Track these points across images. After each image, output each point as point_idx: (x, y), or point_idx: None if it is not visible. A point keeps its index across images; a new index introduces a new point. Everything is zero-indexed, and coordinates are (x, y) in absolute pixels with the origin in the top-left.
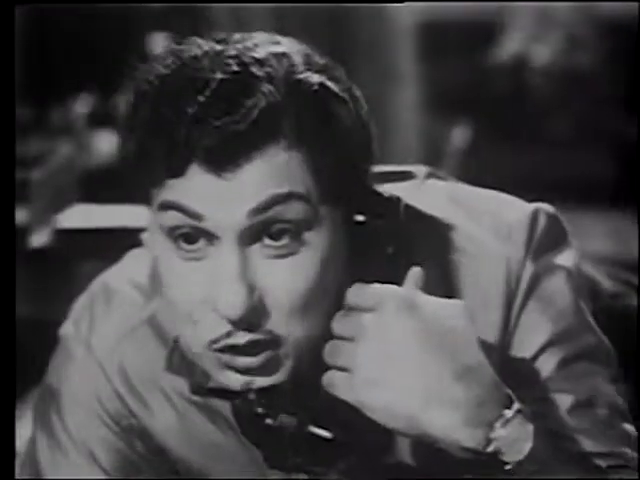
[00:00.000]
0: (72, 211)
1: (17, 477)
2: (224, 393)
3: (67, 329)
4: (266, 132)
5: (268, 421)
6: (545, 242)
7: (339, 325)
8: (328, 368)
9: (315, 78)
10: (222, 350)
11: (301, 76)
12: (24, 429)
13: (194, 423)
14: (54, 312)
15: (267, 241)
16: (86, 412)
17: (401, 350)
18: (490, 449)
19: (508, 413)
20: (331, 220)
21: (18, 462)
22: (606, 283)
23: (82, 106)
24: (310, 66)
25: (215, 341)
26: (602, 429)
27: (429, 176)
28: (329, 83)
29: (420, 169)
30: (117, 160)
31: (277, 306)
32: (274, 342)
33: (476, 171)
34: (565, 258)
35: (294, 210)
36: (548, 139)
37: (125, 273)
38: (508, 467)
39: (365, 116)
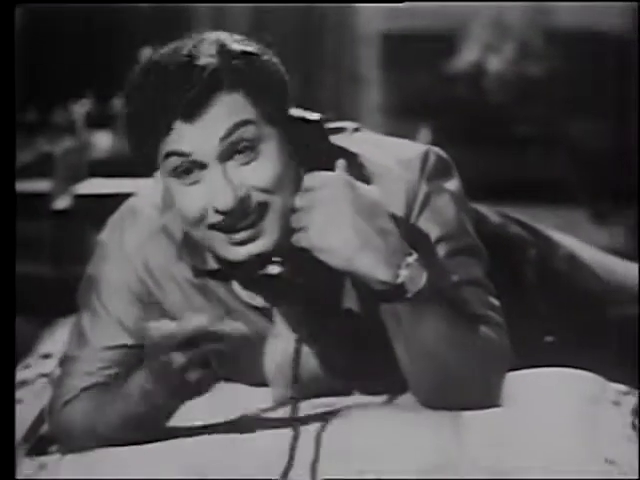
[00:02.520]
0: (87, 182)
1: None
2: (215, 274)
3: (105, 236)
4: (213, 87)
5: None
6: (434, 172)
7: (299, 200)
8: (295, 231)
9: (238, 47)
10: (223, 229)
11: (229, 47)
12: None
13: (194, 299)
14: (72, 258)
15: (236, 156)
16: (117, 293)
17: (341, 213)
18: (398, 281)
19: (410, 259)
20: (275, 135)
21: (68, 332)
22: (492, 216)
23: (82, 108)
24: (235, 42)
25: (217, 225)
26: (475, 295)
27: (356, 130)
28: (248, 48)
29: (350, 124)
30: (125, 129)
31: (257, 193)
32: (259, 218)
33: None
34: (450, 184)
35: (248, 132)
36: (504, 141)
37: (144, 197)
38: (409, 295)
39: (278, 68)
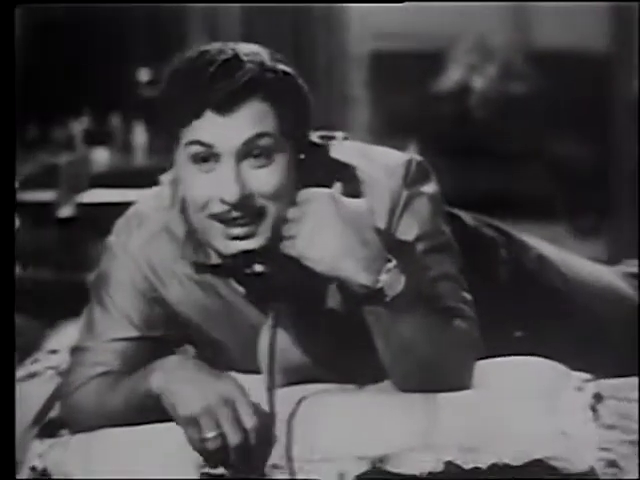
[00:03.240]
0: (89, 192)
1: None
2: (214, 269)
3: (112, 238)
4: (249, 91)
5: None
6: (415, 178)
7: (291, 212)
8: (285, 239)
9: (278, 66)
10: (223, 220)
11: (269, 63)
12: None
13: (195, 294)
14: (75, 264)
15: (251, 159)
16: (125, 289)
17: (327, 225)
18: (378, 286)
19: (389, 266)
20: (288, 148)
21: (79, 324)
22: (468, 220)
23: (80, 125)
24: (275, 60)
25: (219, 215)
26: (449, 289)
27: (345, 139)
28: (285, 68)
29: (339, 134)
30: (160, 106)
31: (259, 197)
32: (256, 219)
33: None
34: (428, 188)
35: (266, 141)
36: (488, 157)
37: (148, 202)
38: (387, 299)
39: (305, 92)
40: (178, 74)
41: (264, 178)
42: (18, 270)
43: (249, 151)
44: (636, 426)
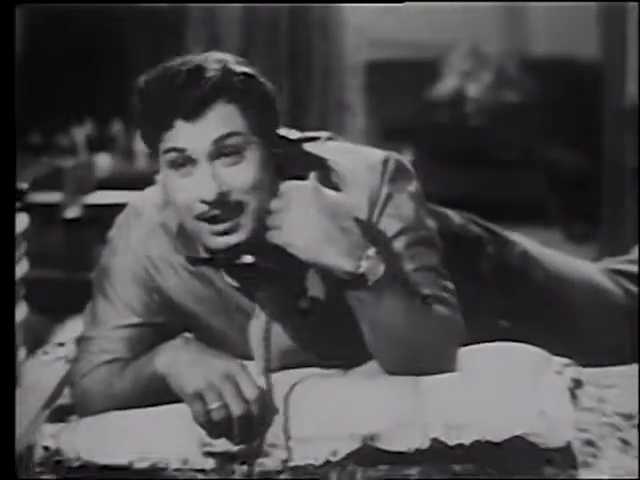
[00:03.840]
0: (94, 194)
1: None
2: (207, 261)
3: (113, 233)
4: (214, 96)
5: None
6: (394, 175)
7: (274, 203)
8: (270, 229)
9: (240, 68)
10: (206, 219)
11: (231, 67)
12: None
13: (190, 284)
14: (81, 261)
15: (223, 158)
16: (125, 279)
17: (309, 215)
18: (359, 272)
19: (370, 252)
20: (259, 144)
21: (83, 315)
22: (455, 218)
23: (82, 132)
24: (237, 63)
25: (201, 215)
26: (428, 278)
27: (329, 139)
28: (247, 70)
29: (323, 134)
30: (136, 122)
31: (236, 192)
32: (236, 214)
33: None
34: (408, 185)
35: (235, 140)
36: (482, 163)
37: (145, 199)
38: (369, 283)
39: (269, 90)
40: (146, 90)
41: (238, 174)
42: (27, 268)
43: (220, 150)
44: (613, 410)
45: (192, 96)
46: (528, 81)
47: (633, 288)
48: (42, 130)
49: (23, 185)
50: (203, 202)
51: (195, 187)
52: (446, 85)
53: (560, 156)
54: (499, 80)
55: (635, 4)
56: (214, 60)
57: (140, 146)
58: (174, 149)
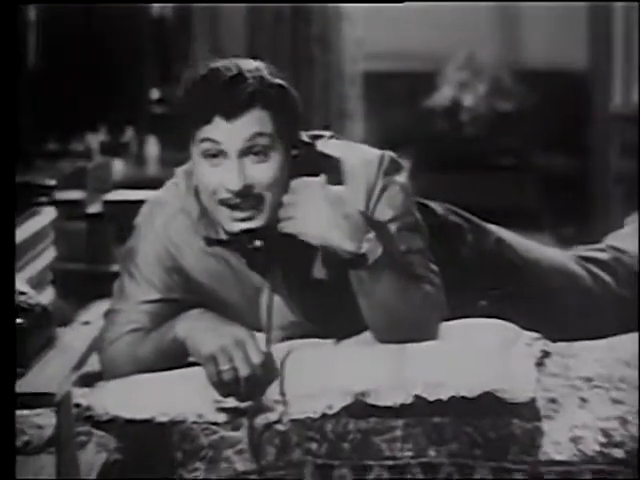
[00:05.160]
0: (114, 192)
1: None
2: (222, 243)
3: (140, 219)
4: (251, 102)
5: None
6: (388, 169)
7: (286, 198)
8: (282, 220)
9: (275, 80)
10: (229, 205)
11: (268, 77)
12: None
13: (207, 263)
14: (101, 253)
15: (251, 156)
16: (149, 260)
17: (317, 206)
18: (360, 252)
19: (369, 236)
20: (283, 146)
21: (114, 291)
22: (438, 209)
23: (97, 138)
24: (272, 75)
25: (225, 201)
26: (418, 260)
27: (331, 137)
28: (280, 82)
29: (326, 133)
30: (178, 114)
31: (258, 187)
32: (255, 205)
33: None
34: (400, 178)
35: (264, 140)
36: (477, 169)
37: (166, 190)
38: (369, 262)
39: (297, 100)
40: (193, 86)
41: (262, 172)
42: (54, 255)
43: (250, 149)
44: (576, 375)
45: (232, 99)
46: (521, 91)
47: (601, 273)
48: (59, 138)
49: (51, 182)
50: (228, 190)
51: (223, 176)
52: (442, 95)
53: (551, 161)
54: (493, 89)
55: (631, 7)
56: (254, 69)
57: (152, 152)
58: (209, 139)
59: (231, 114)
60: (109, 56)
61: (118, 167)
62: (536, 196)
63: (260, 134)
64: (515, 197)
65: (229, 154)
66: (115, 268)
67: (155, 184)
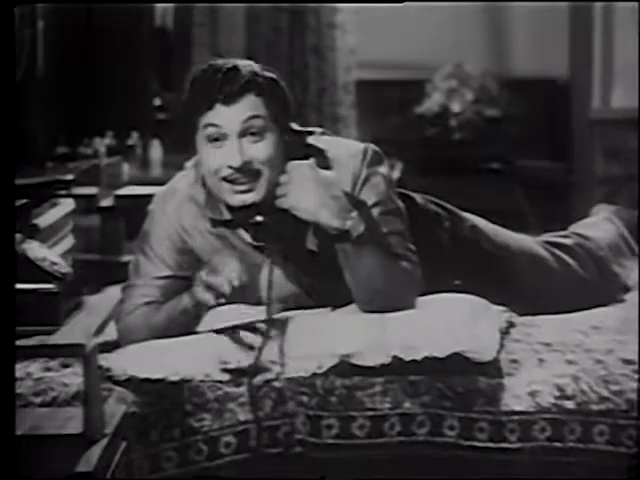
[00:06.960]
0: (125, 188)
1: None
2: (227, 223)
3: (153, 205)
4: (246, 90)
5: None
6: (371, 160)
7: (282, 177)
8: (278, 197)
9: (267, 74)
10: (230, 180)
11: (259, 70)
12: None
13: (213, 244)
14: (113, 244)
15: (249, 136)
16: (162, 241)
17: (307, 183)
18: (345, 228)
19: (353, 214)
20: (276, 128)
21: (129, 267)
22: (418, 198)
23: (104, 142)
24: (265, 70)
25: (227, 176)
26: (397, 240)
27: (322, 133)
28: (270, 74)
29: (318, 129)
30: (184, 104)
31: (256, 162)
32: (254, 179)
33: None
34: (382, 169)
35: (259, 122)
36: (465, 173)
37: (177, 180)
38: (352, 237)
39: (286, 91)
40: (196, 80)
41: (259, 150)
42: (72, 242)
43: (247, 130)
44: (536, 340)
45: (230, 87)
46: (506, 97)
47: (564, 255)
48: (68, 142)
49: (69, 176)
50: (230, 167)
51: (225, 155)
52: (432, 102)
53: (536, 164)
54: (480, 97)
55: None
56: (247, 64)
57: (155, 155)
58: (212, 124)
59: (229, 100)
60: (114, 67)
61: (124, 169)
62: (522, 198)
63: (255, 116)
64: (502, 199)
65: (229, 135)
66: (125, 259)
67: (158, 184)
